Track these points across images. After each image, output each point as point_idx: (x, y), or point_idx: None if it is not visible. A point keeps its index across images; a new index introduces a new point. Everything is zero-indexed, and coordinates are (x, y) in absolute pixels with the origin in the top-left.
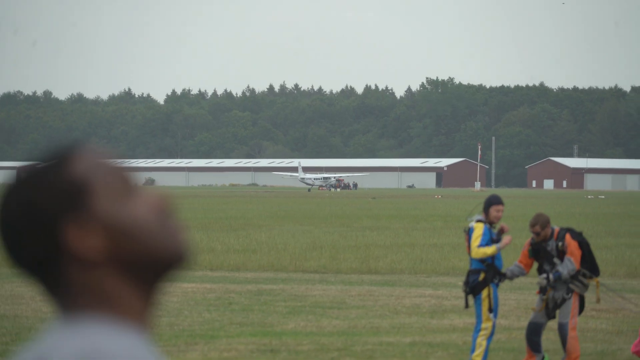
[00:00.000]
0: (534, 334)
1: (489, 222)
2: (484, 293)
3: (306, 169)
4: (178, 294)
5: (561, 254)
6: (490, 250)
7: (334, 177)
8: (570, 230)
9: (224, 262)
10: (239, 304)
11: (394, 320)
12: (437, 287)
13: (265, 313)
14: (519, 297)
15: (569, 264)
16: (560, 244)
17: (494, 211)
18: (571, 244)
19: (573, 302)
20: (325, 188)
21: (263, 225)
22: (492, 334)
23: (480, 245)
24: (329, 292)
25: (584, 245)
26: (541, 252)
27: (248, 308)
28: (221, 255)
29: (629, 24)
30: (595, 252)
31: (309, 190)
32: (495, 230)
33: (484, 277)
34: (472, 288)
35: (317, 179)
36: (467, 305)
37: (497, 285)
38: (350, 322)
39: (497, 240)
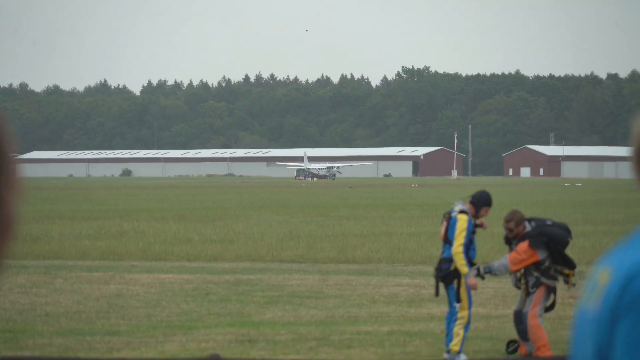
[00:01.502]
0: (518, 322)
1: (473, 216)
2: (456, 283)
3: (283, 159)
4: (156, 284)
5: None
6: (463, 267)
7: (337, 167)
8: (531, 237)
9: (201, 252)
10: (217, 295)
11: (371, 310)
12: (415, 276)
13: (243, 303)
14: (497, 286)
15: (503, 260)
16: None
17: (484, 212)
18: (520, 244)
19: (537, 292)
20: (329, 178)
21: (240, 216)
22: (468, 322)
23: (464, 246)
24: (306, 282)
25: (551, 244)
26: (510, 248)
27: (226, 298)
28: (198, 246)
29: (605, 12)
30: (573, 240)
31: (314, 179)
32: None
33: (455, 267)
34: (444, 277)
35: (321, 168)
36: (437, 293)
37: (482, 277)
38: (328, 311)
39: (474, 232)
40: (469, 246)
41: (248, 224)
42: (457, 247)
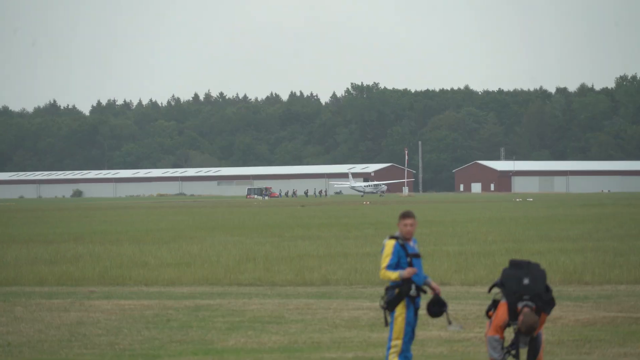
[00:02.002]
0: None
1: (403, 238)
2: (397, 311)
3: (234, 177)
4: (116, 311)
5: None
6: (393, 275)
7: (384, 184)
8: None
9: (158, 276)
10: (178, 321)
11: (333, 335)
12: (374, 299)
13: (204, 329)
14: (457, 308)
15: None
16: None
17: (401, 226)
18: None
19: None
20: (378, 194)
21: (194, 237)
22: (403, 351)
23: (388, 267)
24: (266, 306)
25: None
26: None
27: (187, 325)
28: (155, 270)
29: (554, 26)
30: (529, 258)
31: (362, 195)
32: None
33: (398, 292)
34: (388, 303)
35: (367, 186)
36: (386, 323)
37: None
38: (291, 337)
39: (415, 255)
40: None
41: (203, 246)
42: (382, 270)
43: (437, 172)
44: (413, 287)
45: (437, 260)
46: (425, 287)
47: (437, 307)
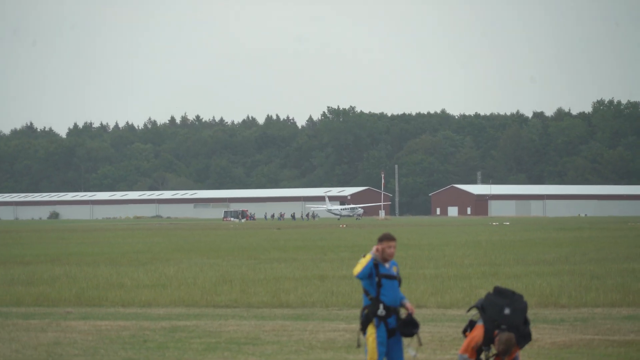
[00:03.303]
0: None
1: (383, 259)
2: (368, 331)
3: (210, 200)
4: (92, 332)
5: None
6: (359, 267)
7: (360, 207)
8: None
9: (135, 297)
10: (154, 342)
11: (309, 356)
12: (350, 321)
13: (181, 350)
14: (433, 330)
15: None
16: None
17: (385, 247)
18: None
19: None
20: (355, 217)
21: (171, 259)
22: None
23: (358, 274)
24: (242, 328)
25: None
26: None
27: (163, 346)
28: (131, 291)
29: (531, 51)
30: (505, 281)
31: (339, 219)
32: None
33: (367, 312)
34: (361, 324)
35: (344, 209)
36: (358, 344)
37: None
38: (267, 358)
39: (387, 276)
40: (378, 290)
41: (179, 268)
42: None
43: (413, 195)
44: (381, 306)
45: (413, 283)
46: (400, 308)
47: (409, 328)
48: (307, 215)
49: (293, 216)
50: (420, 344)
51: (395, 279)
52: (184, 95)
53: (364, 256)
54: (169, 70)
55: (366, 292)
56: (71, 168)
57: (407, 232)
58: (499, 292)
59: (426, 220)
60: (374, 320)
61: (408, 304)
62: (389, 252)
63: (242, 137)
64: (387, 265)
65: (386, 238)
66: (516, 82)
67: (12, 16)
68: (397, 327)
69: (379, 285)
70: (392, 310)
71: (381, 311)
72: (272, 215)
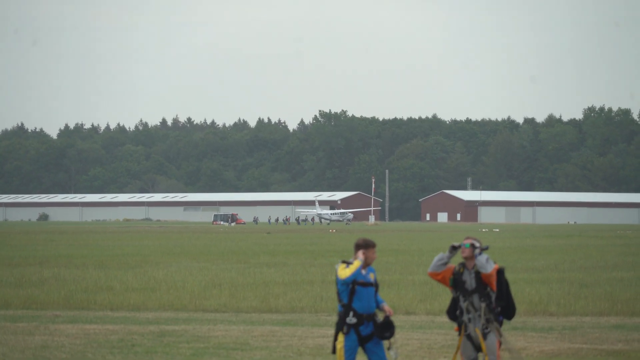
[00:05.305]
0: None
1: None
2: (339, 338)
3: (200, 203)
4: (80, 335)
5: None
6: (348, 270)
7: (350, 212)
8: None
9: (123, 301)
10: (142, 346)
11: None
12: None
13: (169, 355)
14: (422, 337)
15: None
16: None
17: (370, 253)
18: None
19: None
20: (344, 222)
21: (160, 262)
22: None
23: (347, 277)
24: (231, 333)
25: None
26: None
27: (152, 350)
28: (120, 295)
29: (519, 57)
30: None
31: (328, 223)
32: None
33: (337, 320)
34: (335, 331)
35: (334, 214)
36: (333, 350)
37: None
38: None
39: (363, 284)
40: (350, 297)
41: (168, 271)
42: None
43: (403, 201)
44: (351, 314)
45: (402, 289)
46: (378, 312)
47: (382, 332)
48: (313, 219)
49: (298, 220)
50: (389, 347)
51: (372, 285)
52: (176, 98)
53: (344, 262)
54: (161, 72)
55: (339, 298)
56: (61, 169)
57: (396, 237)
58: None
59: (416, 226)
60: (344, 327)
61: (386, 307)
62: (373, 258)
63: (234, 140)
64: (364, 272)
65: (371, 245)
66: (508, 87)
67: (7, 18)
68: (375, 331)
69: (352, 292)
70: (364, 318)
71: (350, 319)
72: (277, 219)
